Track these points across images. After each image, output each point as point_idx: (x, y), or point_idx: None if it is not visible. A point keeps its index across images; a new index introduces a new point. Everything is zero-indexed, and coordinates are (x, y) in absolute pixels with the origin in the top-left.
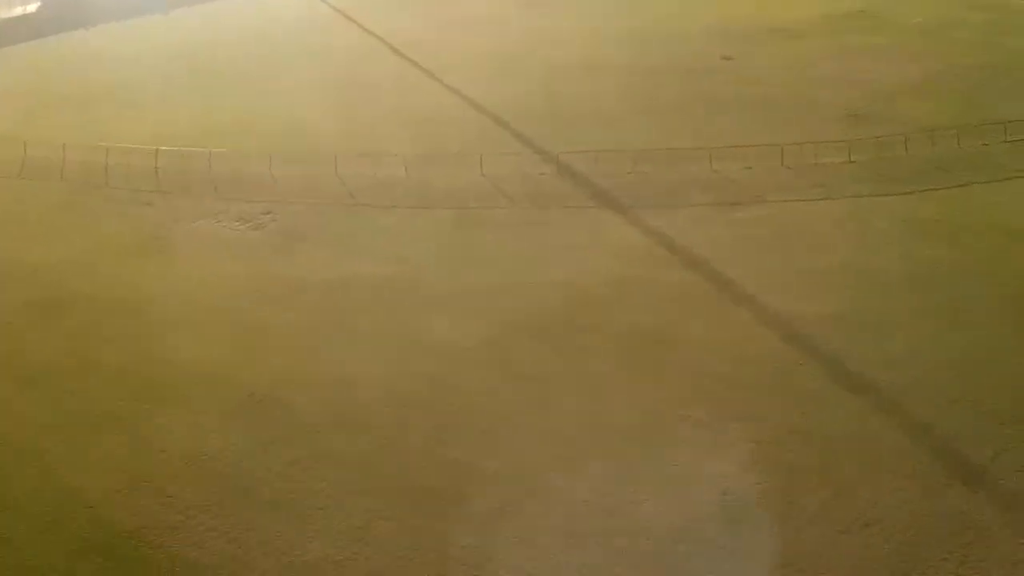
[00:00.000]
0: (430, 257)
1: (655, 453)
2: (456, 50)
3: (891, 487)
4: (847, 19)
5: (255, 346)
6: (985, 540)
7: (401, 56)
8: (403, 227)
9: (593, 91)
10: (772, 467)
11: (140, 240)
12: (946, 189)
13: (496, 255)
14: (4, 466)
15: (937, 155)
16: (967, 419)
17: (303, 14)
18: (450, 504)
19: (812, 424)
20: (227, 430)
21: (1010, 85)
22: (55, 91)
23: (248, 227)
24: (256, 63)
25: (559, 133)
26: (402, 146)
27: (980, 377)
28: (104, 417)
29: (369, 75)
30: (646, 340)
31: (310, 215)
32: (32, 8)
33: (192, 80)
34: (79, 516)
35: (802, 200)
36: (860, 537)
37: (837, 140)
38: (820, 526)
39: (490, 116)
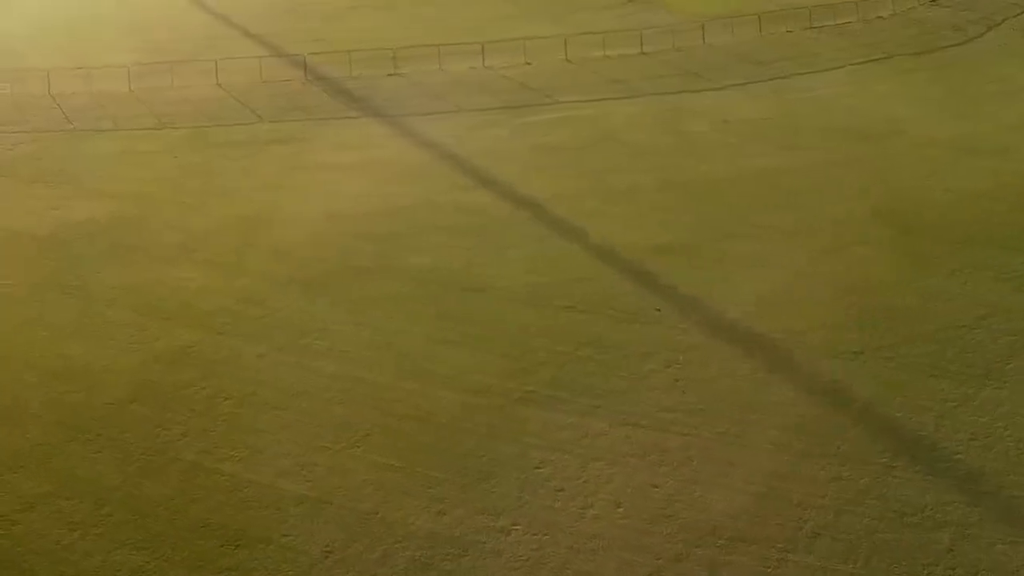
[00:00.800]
0: (162, 191)
1: (484, 466)
2: None
3: (825, 477)
4: None
5: None
6: (971, 545)
7: None
8: (129, 154)
9: None
10: (649, 462)
11: None
12: (762, 83)
13: (242, 184)
14: None
15: (740, 44)
16: (883, 373)
17: None
18: None
19: (691, 397)
20: None
21: None
22: None
23: None
24: None
25: (300, 31)
26: (122, 56)
27: (878, 317)
28: None
29: None
30: (446, 285)
31: (24, 146)
32: None
33: None
34: None
35: (599, 99)
36: (813, 556)
37: (623, 29)
38: (757, 545)
39: (218, 16)
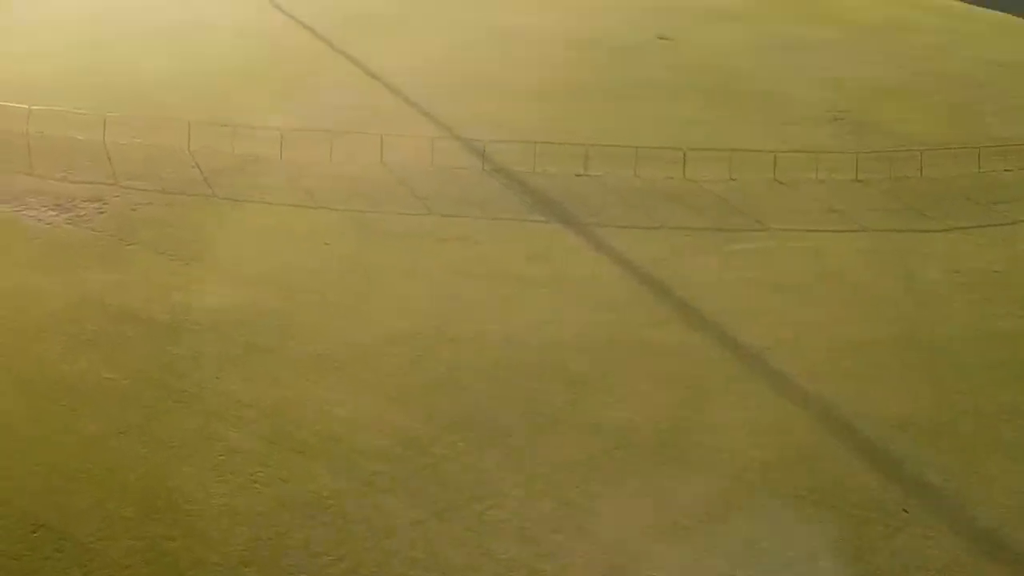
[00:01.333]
0: (310, 285)
1: None
2: (343, 4)
3: None
4: (783, 5)
5: (58, 430)
6: None
7: (275, 5)
8: (275, 234)
9: (513, 64)
10: None
11: None
12: (988, 228)
13: (406, 288)
14: None
15: (958, 179)
16: None
17: None
18: None
19: None
20: None
21: (991, 99)
22: None
23: (66, 219)
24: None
25: (479, 113)
26: (275, 117)
27: None
28: None
29: (233, 23)
30: (648, 451)
31: (152, 208)
32: None
33: (8, 22)
34: None
35: (816, 230)
36: None
37: (835, 151)
38: None
39: (387, 85)
